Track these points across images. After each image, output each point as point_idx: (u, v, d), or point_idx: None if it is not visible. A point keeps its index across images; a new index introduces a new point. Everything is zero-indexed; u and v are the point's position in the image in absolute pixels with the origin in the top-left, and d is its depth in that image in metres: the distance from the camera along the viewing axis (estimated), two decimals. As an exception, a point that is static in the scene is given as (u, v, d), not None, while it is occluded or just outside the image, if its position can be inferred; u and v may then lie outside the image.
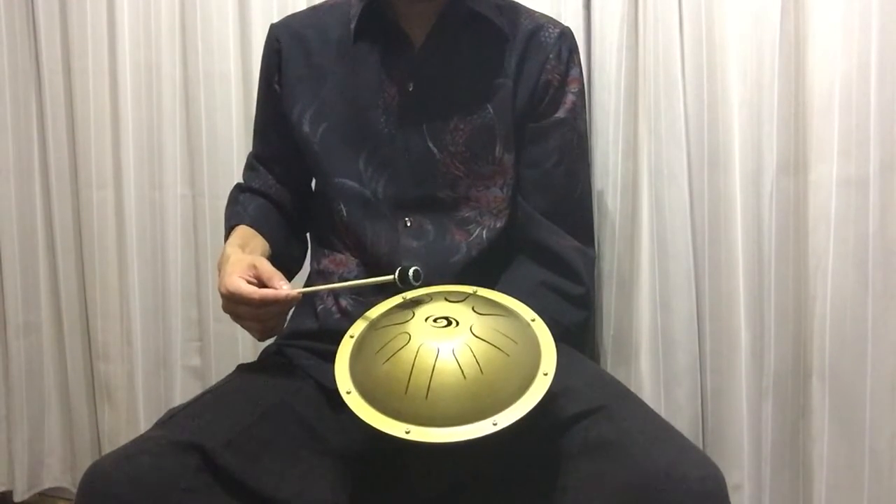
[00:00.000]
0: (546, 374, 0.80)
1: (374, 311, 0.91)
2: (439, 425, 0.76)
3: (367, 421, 0.78)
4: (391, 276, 0.89)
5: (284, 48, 1.10)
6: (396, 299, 0.91)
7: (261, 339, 1.00)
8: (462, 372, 0.77)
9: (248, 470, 0.85)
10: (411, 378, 0.78)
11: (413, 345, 0.80)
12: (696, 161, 1.18)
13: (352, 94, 1.06)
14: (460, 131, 1.04)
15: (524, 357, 0.81)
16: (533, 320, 0.87)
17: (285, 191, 1.15)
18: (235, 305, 0.92)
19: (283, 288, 0.91)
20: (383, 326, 0.86)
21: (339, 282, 1.05)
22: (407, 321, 0.83)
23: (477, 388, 0.77)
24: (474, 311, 0.84)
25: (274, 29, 1.13)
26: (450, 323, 0.82)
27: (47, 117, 1.59)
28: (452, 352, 0.79)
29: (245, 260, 0.95)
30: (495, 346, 0.80)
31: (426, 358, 0.78)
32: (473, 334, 0.81)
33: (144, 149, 1.53)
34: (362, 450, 0.93)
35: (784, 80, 1.11)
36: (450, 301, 0.87)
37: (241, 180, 1.18)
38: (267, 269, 0.93)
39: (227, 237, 1.09)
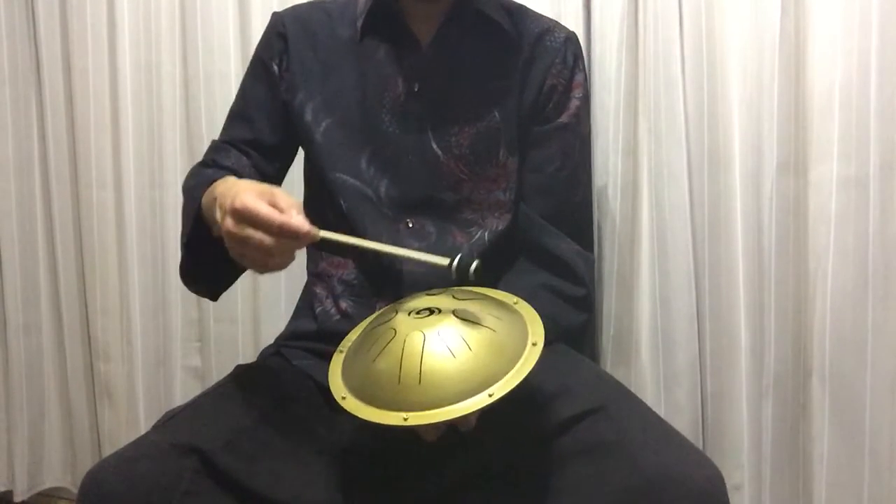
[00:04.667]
0: (535, 344, 0.80)
1: (362, 325, 0.92)
2: (435, 407, 0.76)
3: (365, 418, 0.78)
4: (446, 260, 0.80)
5: (291, 34, 1.08)
6: (379, 312, 0.92)
7: (260, 273, 0.88)
8: (451, 353, 0.78)
9: (246, 471, 0.85)
10: (402, 367, 0.78)
11: (399, 337, 0.80)
12: (696, 161, 1.18)
13: (357, 92, 1.05)
14: (465, 134, 1.03)
15: (511, 331, 0.82)
16: (516, 302, 0.88)
17: (259, 177, 1.05)
18: (245, 227, 0.78)
19: (305, 223, 0.79)
20: (369, 330, 0.86)
21: (339, 284, 1.05)
22: (390, 319, 0.84)
23: (468, 367, 0.77)
24: (454, 298, 0.85)
25: (278, 15, 1.11)
26: (432, 312, 0.83)
27: (47, 117, 1.59)
28: (438, 334, 0.79)
29: (259, 185, 0.83)
30: (481, 325, 0.80)
31: (414, 345, 0.79)
32: (457, 317, 0.81)
33: (144, 149, 1.53)
34: (361, 450, 0.93)
35: (784, 79, 1.11)
36: (430, 294, 0.88)
37: (203, 161, 1.08)
38: (286, 198, 0.80)
39: (195, 203, 0.94)
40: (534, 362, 0.78)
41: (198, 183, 0.98)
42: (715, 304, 1.18)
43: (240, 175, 1.01)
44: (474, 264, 0.78)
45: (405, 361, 0.78)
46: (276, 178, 1.12)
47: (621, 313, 1.24)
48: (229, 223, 0.80)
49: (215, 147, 1.10)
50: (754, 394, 1.16)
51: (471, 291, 0.89)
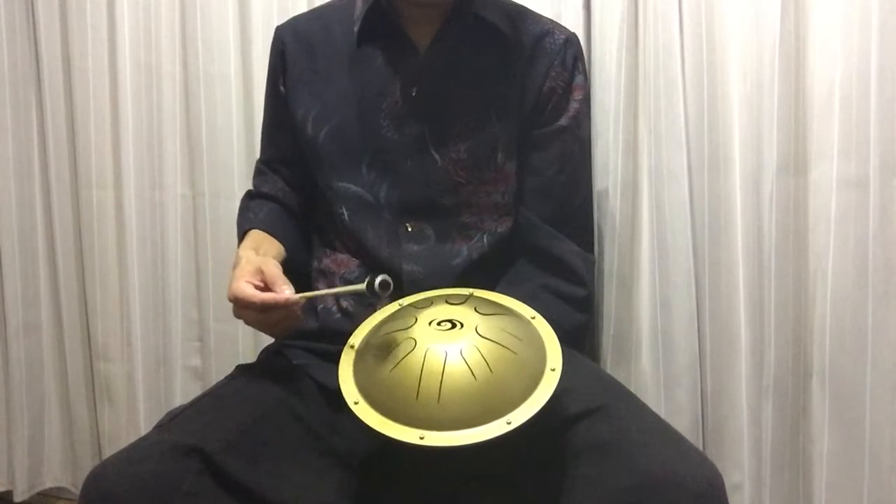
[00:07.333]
0: (553, 370, 0.80)
1: (374, 319, 0.90)
2: (453, 428, 0.75)
3: (379, 430, 0.77)
4: (361, 286, 0.86)
5: (289, 50, 1.10)
6: (394, 306, 0.91)
7: (275, 338, 1.01)
8: (472, 373, 0.77)
9: (248, 472, 0.85)
10: (421, 383, 0.77)
11: (420, 349, 0.79)
12: (696, 161, 1.18)
13: (355, 98, 1.05)
14: (463, 138, 1.03)
15: (530, 354, 0.81)
16: (533, 318, 0.87)
17: (294, 194, 1.15)
18: (241, 310, 0.92)
19: (286, 292, 0.90)
20: (386, 333, 0.85)
21: (341, 282, 1.05)
22: (410, 326, 0.83)
23: (488, 388, 0.77)
24: (477, 312, 0.84)
25: (279, 31, 1.13)
26: (454, 325, 0.82)
27: (47, 117, 1.59)
28: (461, 353, 0.78)
29: (253, 263, 0.95)
30: (502, 346, 0.80)
31: (435, 361, 0.78)
32: (479, 335, 0.80)
33: (144, 149, 1.53)
34: (363, 450, 0.93)
35: (784, 79, 1.11)
36: (451, 304, 0.86)
37: (251, 187, 1.19)
38: (271, 272, 0.92)
39: (240, 243, 1.09)
40: (552, 389, 0.78)
41: (241, 222, 1.14)
42: (715, 304, 1.18)
43: (277, 200, 1.15)
44: (379, 278, 0.84)
45: (425, 377, 0.77)
46: (309, 188, 1.15)
47: (621, 313, 1.24)
48: (233, 309, 0.93)
49: (257, 170, 1.20)
50: (754, 394, 1.16)
51: (492, 304, 0.88)
